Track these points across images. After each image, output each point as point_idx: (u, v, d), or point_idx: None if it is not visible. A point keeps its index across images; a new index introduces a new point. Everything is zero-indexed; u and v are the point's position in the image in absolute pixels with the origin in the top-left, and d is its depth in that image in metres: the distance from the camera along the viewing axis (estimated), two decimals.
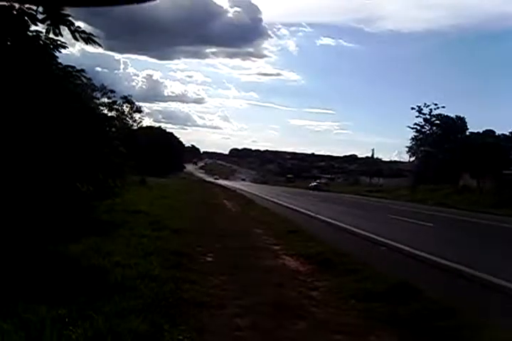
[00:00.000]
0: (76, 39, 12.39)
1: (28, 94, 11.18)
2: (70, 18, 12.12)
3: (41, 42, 12.32)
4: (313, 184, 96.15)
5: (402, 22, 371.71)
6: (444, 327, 6.13)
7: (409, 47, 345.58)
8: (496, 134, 64.38)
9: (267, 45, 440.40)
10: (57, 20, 11.89)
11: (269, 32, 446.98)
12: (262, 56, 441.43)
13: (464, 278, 10.03)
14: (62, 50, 12.95)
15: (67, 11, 11.99)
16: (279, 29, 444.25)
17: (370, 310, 7.02)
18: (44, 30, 12.13)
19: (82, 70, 14.14)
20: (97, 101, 40.50)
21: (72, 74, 13.68)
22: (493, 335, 5.79)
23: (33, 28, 12.06)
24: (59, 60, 13.14)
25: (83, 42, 12.54)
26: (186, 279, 7.92)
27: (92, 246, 9.33)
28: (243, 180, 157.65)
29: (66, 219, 11.87)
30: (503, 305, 8.13)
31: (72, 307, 5.37)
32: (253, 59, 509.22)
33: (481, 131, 69.69)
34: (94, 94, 47.98)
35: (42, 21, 11.86)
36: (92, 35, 12.65)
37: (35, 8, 11.39)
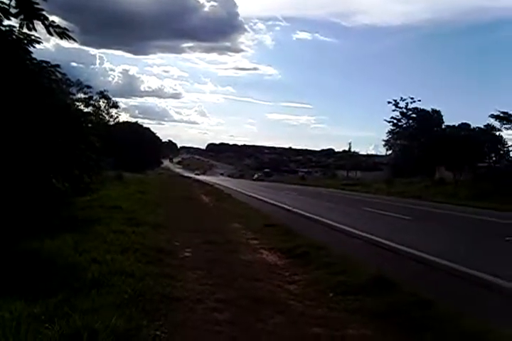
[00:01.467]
0: (50, 34, 12.31)
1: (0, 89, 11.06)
2: (44, 13, 12.04)
3: (14, 37, 12.20)
4: (255, 176, 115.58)
5: (379, 16, 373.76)
6: (420, 318, 6.20)
7: (386, 41, 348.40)
8: (471, 127, 64.80)
9: (244, 40, 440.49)
10: (30, 14, 11.80)
11: (246, 26, 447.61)
12: (238, 50, 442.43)
13: (439, 270, 10.13)
14: (37, 45, 12.86)
15: (41, 5, 11.91)
16: (255, 23, 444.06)
17: (347, 303, 7.09)
18: (17, 25, 12.04)
19: (57, 65, 14.04)
20: (73, 97, 40.23)
21: (46, 70, 13.57)
22: (466, 325, 5.86)
23: (5, 22, 11.96)
24: (33, 55, 13.03)
25: (58, 37, 12.47)
26: (164, 274, 7.93)
27: (69, 243, 9.27)
28: (222, 174, 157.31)
29: (41, 216, 11.78)
30: (477, 297, 8.25)
31: (48, 305, 5.34)
32: (230, 53, 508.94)
33: (456, 124, 70.16)
34: (70, 89, 47.61)
35: (15, 16, 11.76)
36: (67, 29, 12.59)
37: (7, 2, 11.30)
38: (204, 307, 6.57)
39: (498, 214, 26.28)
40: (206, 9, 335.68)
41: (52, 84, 14.15)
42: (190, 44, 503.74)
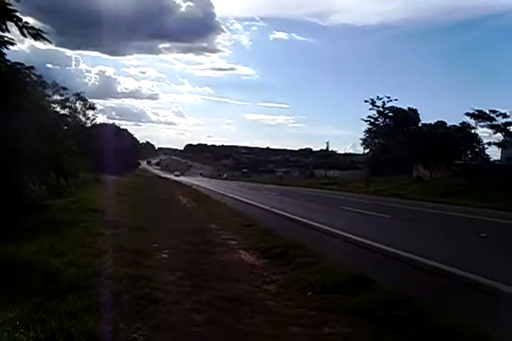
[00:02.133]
0: (24, 35, 12.22)
1: None
2: (18, 14, 11.94)
3: None
4: (224, 176, 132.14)
5: (356, 16, 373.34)
6: (398, 315, 6.24)
7: (363, 40, 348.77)
8: (448, 125, 65.46)
9: (221, 40, 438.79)
10: (3, 15, 11.68)
11: (223, 26, 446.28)
12: (215, 51, 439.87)
13: (416, 267, 10.20)
14: (11, 47, 12.73)
15: (14, 6, 11.81)
16: (232, 23, 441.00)
17: (326, 302, 7.12)
18: None
19: (32, 67, 13.91)
20: (49, 99, 39.78)
21: (21, 72, 13.44)
22: (441, 321, 5.92)
23: None
24: (7, 57, 12.90)
25: (32, 39, 12.38)
26: (142, 276, 7.87)
27: (46, 246, 9.16)
28: (201, 174, 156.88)
29: (16, 219, 11.66)
30: (454, 293, 8.34)
31: (23, 310, 5.28)
32: (207, 54, 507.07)
33: (432, 122, 70.85)
34: (46, 91, 47.07)
35: None
36: (41, 31, 12.49)
37: None
38: (182, 308, 6.55)
39: (474, 211, 26.65)
40: (182, 10, 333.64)
41: (27, 86, 14.01)
42: (167, 45, 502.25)
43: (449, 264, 10.07)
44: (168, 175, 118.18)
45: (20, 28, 12.08)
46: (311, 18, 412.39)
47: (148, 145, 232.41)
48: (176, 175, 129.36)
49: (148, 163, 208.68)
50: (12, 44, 12.65)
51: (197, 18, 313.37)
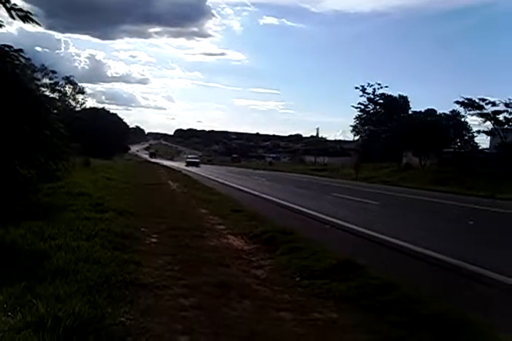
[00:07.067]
0: (12, 17, 12.07)
1: None
2: None
3: None
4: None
5: (348, 2, 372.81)
6: (386, 301, 6.27)
7: (355, 27, 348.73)
8: (437, 113, 65.64)
9: (212, 25, 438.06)
10: None
11: (214, 11, 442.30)
12: (206, 36, 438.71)
13: (405, 254, 10.25)
14: None
15: None
16: (223, 8, 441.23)
17: (314, 287, 7.12)
18: None
19: (21, 50, 13.74)
20: (38, 82, 39.53)
21: (9, 54, 13.28)
22: (426, 308, 5.96)
23: None
24: None
25: (20, 21, 12.23)
26: (130, 260, 7.86)
27: (33, 230, 9.12)
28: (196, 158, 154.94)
29: (4, 203, 11.59)
30: (441, 280, 8.40)
31: (11, 294, 5.27)
32: (197, 38, 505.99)
33: (422, 110, 71.08)
34: (35, 74, 46.85)
35: None
36: (30, 13, 12.34)
37: None
38: (170, 293, 6.55)
39: (463, 199, 26.80)
40: None
41: (16, 69, 13.85)
42: (158, 29, 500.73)
43: (439, 252, 10.15)
44: (158, 160, 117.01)
45: (8, 10, 11.93)
46: (303, 3, 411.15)
47: (137, 129, 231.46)
48: (190, 163, 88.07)
49: (151, 154, 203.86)
50: (0, 26, 12.51)
51: (188, 2, 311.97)
